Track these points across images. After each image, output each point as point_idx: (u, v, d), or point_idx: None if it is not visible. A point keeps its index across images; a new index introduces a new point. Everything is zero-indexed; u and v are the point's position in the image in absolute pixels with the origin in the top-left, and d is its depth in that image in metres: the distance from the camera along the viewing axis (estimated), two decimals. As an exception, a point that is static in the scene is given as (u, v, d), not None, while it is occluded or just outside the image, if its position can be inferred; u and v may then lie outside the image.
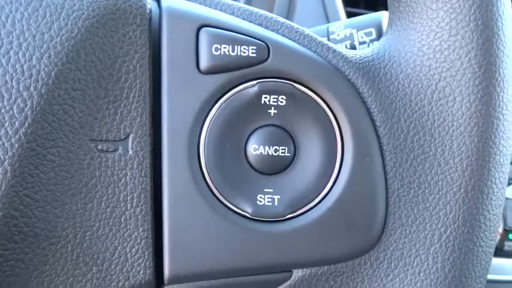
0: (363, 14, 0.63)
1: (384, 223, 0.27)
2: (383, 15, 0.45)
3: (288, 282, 0.28)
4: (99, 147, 0.24)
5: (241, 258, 0.26)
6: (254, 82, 0.26)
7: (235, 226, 0.26)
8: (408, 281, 0.27)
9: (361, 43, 0.45)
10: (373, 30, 0.45)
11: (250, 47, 0.26)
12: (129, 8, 0.25)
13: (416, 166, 0.27)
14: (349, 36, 0.45)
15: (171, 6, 0.26)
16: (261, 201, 0.27)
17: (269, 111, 0.27)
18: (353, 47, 0.45)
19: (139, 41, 0.25)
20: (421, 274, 0.27)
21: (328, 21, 0.69)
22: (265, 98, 0.26)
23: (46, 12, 0.23)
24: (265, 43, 0.26)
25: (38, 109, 0.23)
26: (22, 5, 0.23)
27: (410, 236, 0.27)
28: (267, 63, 0.26)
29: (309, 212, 0.27)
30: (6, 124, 0.22)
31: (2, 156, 0.22)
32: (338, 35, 0.45)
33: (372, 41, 0.45)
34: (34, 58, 0.23)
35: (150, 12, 0.26)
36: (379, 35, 0.45)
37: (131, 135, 0.25)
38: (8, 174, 0.22)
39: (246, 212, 0.26)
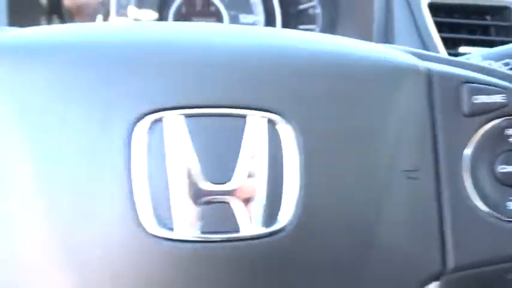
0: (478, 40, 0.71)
1: None
2: (516, 48, 0.53)
3: None
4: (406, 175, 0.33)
5: (496, 251, 0.35)
6: (501, 120, 0.36)
7: (492, 227, 0.35)
8: None
9: (500, 71, 0.53)
10: (510, 60, 0.53)
11: (500, 95, 0.35)
12: (417, 79, 0.36)
13: None
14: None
15: (441, 71, 0.36)
16: (509, 206, 0.35)
17: (510, 140, 0.35)
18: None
19: (422, 97, 0.35)
20: None
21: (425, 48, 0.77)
22: (508, 130, 0.35)
23: None
24: (506, 90, 0.35)
25: None
26: None
27: None
28: (509, 105, 0.35)
29: None
30: None
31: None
32: (480, 66, 0.54)
33: (510, 69, 0.53)
34: None
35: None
36: (515, 64, 0.53)
37: (421, 166, 0.34)
38: None
39: (500, 214, 0.35)
